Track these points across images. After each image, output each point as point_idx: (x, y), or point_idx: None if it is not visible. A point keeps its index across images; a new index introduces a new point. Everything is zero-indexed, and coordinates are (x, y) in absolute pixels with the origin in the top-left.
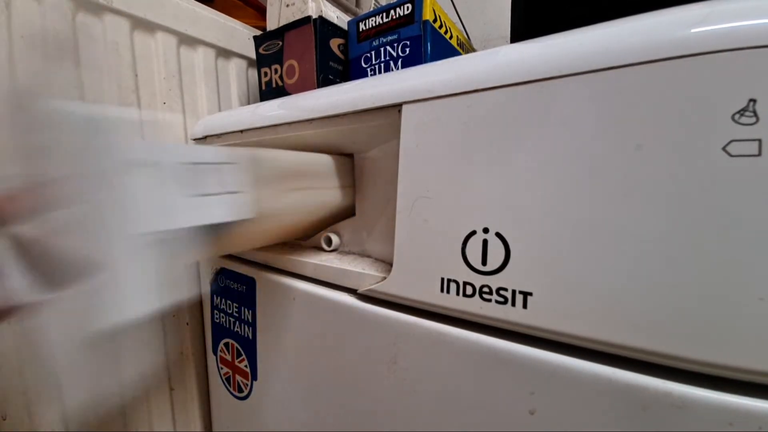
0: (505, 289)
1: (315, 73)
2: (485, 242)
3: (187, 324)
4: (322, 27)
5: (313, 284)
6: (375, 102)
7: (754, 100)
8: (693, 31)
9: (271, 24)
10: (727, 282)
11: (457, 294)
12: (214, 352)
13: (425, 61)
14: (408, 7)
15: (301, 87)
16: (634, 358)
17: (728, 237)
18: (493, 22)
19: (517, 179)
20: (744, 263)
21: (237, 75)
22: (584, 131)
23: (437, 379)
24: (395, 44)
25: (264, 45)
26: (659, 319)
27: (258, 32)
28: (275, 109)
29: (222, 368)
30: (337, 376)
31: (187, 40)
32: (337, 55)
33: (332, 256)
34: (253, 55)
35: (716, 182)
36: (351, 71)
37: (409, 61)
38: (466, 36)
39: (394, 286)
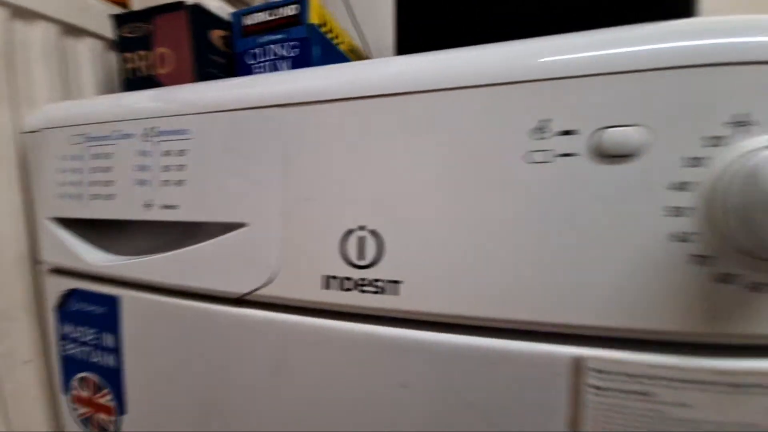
0: (380, 280)
1: (192, 65)
2: (361, 239)
3: (27, 362)
4: (198, 16)
5: (190, 296)
6: (259, 102)
7: (547, 120)
8: (523, 61)
9: (137, 2)
10: (547, 259)
11: (338, 289)
12: (66, 392)
13: (314, 64)
14: (293, 8)
15: (176, 79)
16: (485, 325)
17: (537, 223)
18: (390, 30)
19: (390, 180)
20: (556, 242)
21: (91, 58)
22: (446, 141)
23: (323, 373)
24: (283, 44)
25: (127, 27)
26: (503, 293)
27: (118, 9)
28: (147, 102)
29: (77, 408)
30: (223, 390)
31: (21, 12)
32: (218, 48)
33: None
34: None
35: (521, 181)
36: (237, 66)
37: (299, 63)
38: (360, 43)
39: (279, 287)
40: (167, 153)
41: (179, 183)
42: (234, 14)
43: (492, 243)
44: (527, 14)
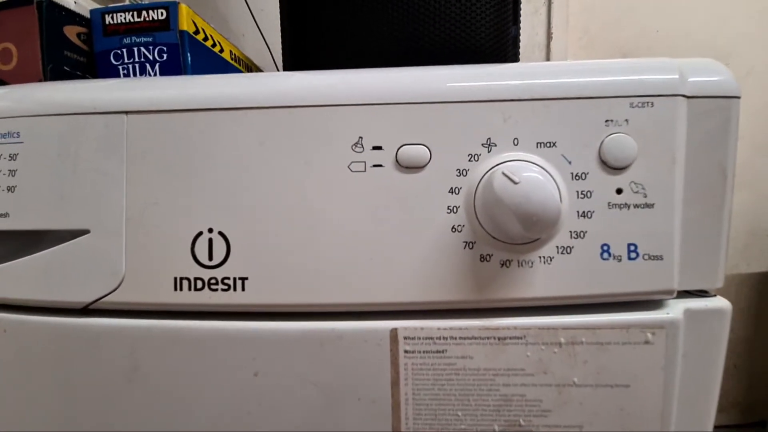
0: (228, 278)
1: (40, 63)
2: (210, 241)
3: None
4: (52, 11)
5: (31, 310)
6: (97, 107)
7: (362, 137)
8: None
9: None
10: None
11: (189, 289)
12: None
13: (186, 71)
14: (162, 13)
15: (22, 77)
16: (321, 311)
17: (357, 221)
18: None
19: (235, 185)
20: (372, 237)
21: None
22: (287, 150)
23: (179, 372)
24: (151, 47)
25: None
26: (333, 281)
27: None
28: None
29: None
30: (78, 403)
31: None
32: (76, 45)
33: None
34: None
35: (346, 186)
36: (99, 66)
37: (168, 68)
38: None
39: (128, 293)
40: None
41: (10, 189)
42: (93, 11)
43: (323, 239)
44: (382, 48)
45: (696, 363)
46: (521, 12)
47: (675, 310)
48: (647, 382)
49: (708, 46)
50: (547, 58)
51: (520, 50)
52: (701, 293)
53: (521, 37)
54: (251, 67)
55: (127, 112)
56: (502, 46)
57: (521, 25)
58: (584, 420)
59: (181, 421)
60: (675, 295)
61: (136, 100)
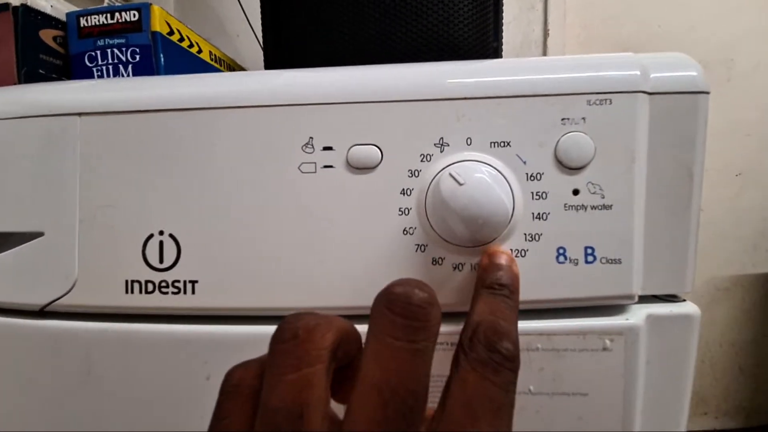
0: (179, 281)
1: (15, 66)
2: (161, 243)
3: None
4: (27, 16)
5: None
6: (51, 109)
7: (312, 137)
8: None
9: None
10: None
11: (140, 292)
12: None
13: (159, 72)
14: (134, 15)
15: None
16: (265, 315)
17: (309, 223)
18: None
19: (187, 188)
20: (323, 239)
21: None
22: (239, 152)
23: (131, 376)
24: (124, 48)
25: None
26: (283, 285)
27: None
28: None
29: None
30: (35, 403)
31: None
32: (52, 48)
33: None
34: None
35: (296, 187)
36: (75, 68)
37: (141, 69)
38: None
39: (80, 295)
40: None
41: None
42: (69, 14)
43: (273, 242)
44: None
45: (662, 371)
46: (509, 8)
47: (636, 315)
48: (606, 390)
49: (712, 40)
50: (544, 55)
51: (518, 47)
52: (671, 298)
53: (517, 34)
54: (233, 67)
55: (80, 114)
56: (482, 43)
57: (517, 21)
58: (541, 429)
59: (133, 423)
60: (636, 300)
61: (89, 102)
